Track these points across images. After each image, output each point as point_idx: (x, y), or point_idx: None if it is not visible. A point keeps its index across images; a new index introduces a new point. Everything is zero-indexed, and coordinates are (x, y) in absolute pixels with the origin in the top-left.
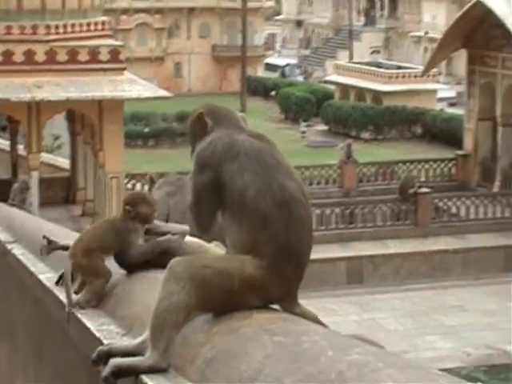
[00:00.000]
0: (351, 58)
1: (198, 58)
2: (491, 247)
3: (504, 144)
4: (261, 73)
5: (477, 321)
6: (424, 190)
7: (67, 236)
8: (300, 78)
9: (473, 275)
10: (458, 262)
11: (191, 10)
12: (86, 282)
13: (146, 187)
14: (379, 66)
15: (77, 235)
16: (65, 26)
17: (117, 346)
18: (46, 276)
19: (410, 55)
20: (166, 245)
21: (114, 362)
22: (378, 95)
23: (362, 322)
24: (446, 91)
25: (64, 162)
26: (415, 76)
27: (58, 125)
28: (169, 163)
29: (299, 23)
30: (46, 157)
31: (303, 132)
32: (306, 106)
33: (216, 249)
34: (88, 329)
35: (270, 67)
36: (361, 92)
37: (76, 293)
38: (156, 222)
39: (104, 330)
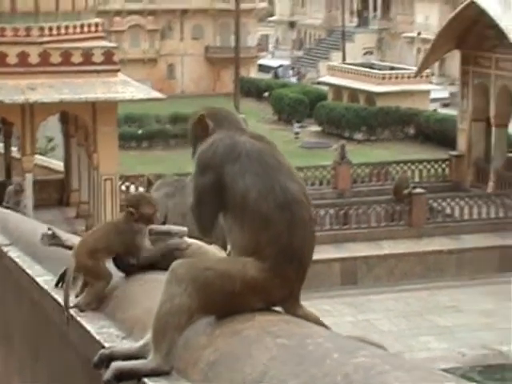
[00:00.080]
0: (344, 59)
1: (191, 60)
2: (485, 247)
3: (497, 144)
4: (254, 74)
5: (472, 321)
6: (418, 190)
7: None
8: (293, 79)
9: (467, 275)
10: (452, 262)
11: (184, 11)
12: (88, 283)
13: (141, 189)
14: (372, 66)
15: (72, 236)
16: (58, 28)
17: (118, 349)
18: (44, 279)
19: (403, 56)
20: (174, 248)
21: (116, 365)
22: (371, 96)
23: (356, 322)
24: (440, 92)
25: (58, 164)
26: (408, 77)
27: (51, 127)
28: (163, 165)
29: (292, 24)
30: (39, 159)
31: (296, 133)
32: (299, 107)
33: (216, 250)
34: (88, 332)
35: (263, 68)
36: (354, 93)
37: (77, 295)
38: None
39: (104, 332)
